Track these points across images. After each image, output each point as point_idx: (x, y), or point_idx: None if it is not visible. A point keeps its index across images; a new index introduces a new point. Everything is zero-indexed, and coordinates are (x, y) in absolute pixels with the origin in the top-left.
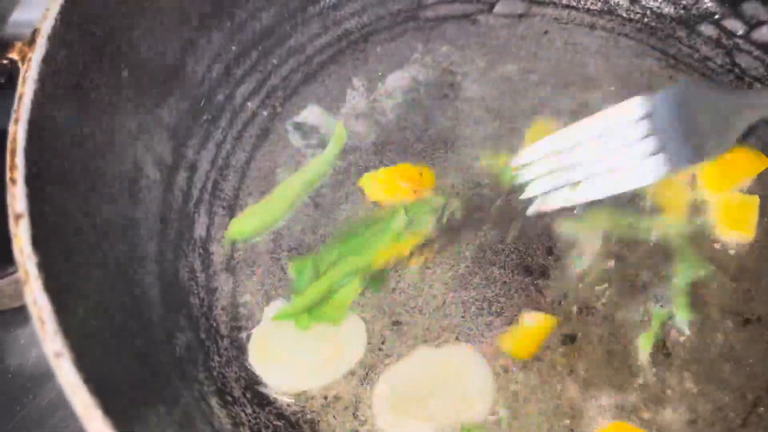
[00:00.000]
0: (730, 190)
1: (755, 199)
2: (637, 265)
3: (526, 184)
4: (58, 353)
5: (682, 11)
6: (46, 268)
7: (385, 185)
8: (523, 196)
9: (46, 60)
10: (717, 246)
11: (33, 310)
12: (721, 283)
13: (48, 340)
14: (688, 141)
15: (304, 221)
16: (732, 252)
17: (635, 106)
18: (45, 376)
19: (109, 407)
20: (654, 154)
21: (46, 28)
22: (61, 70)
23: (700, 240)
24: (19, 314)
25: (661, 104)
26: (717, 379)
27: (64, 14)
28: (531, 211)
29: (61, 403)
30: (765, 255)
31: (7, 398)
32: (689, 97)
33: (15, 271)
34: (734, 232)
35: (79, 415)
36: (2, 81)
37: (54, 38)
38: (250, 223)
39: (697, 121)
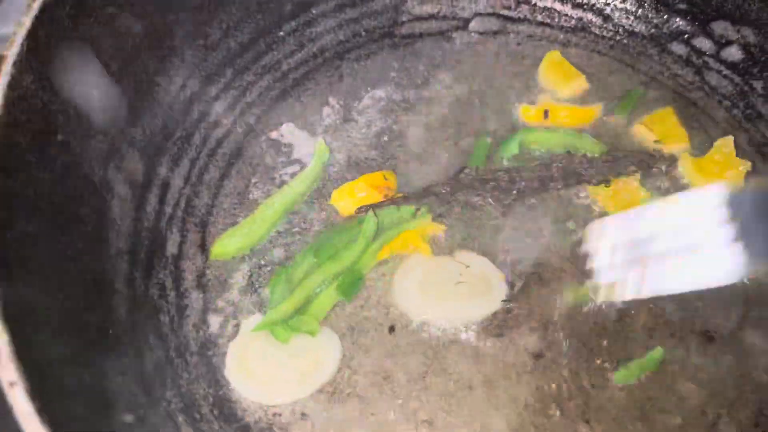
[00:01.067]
0: None
1: (669, 110)
2: None
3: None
4: (12, 382)
5: (653, 30)
6: (5, 293)
7: (355, 198)
8: (595, 280)
9: (12, 86)
10: None
11: None
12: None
13: (3, 367)
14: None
15: (276, 238)
16: None
17: (717, 195)
18: None
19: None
20: (736, 245)
21: (12, 54)
22: (28, 95)
23: None
24: None
25: (744, 195)
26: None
27: (31, 39)
28: (600, 297)
29: None
30: None
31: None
32: None
33: None
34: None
35: None
36: None
37: (20, 64)
38: (234, 243)
39: None
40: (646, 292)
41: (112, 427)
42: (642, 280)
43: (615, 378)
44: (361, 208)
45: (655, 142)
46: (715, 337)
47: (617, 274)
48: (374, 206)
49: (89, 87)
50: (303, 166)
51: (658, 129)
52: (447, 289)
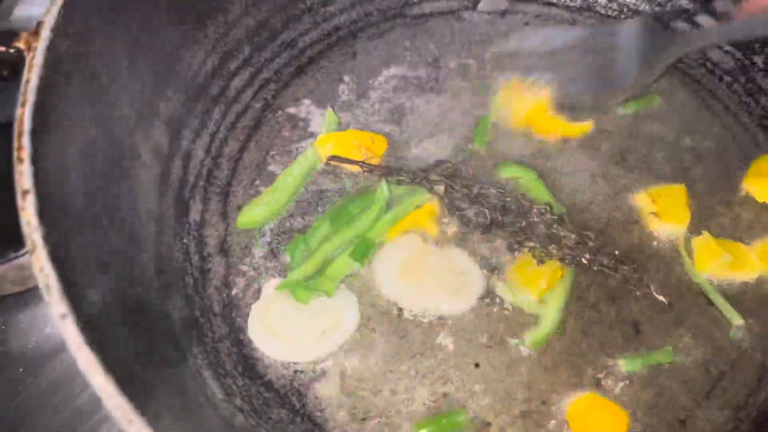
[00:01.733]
0: None
1: (682, 189)
2: None
3: None
4: (63, 315)
5: (657, 8)
6: (50, 239)
7: (338, 147)
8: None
9: (50, 49)
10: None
11: (40, 278)
12: None
13: (54, 303)
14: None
15: (295, 207)
16: None
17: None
18: (46, 358)
19: (111, 365)
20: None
21: (49, 20)
22: (64, 59)
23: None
24: (20, 299)
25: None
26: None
27: (67, 7)
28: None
29: (61, 384)
30: None
31: (10, 379)
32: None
33: (16, 257)
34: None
35: (83, 370)
36: (5, 73)
37: (57, 30)
38: (258, 212)
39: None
40: None
41: (150, 368)
42: None
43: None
44: (330, 157)
45: (652, 213)
46: None
47: None
48: (339, 159)
49: (118, 55)
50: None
51: (662, 203)
52: (424, 278)
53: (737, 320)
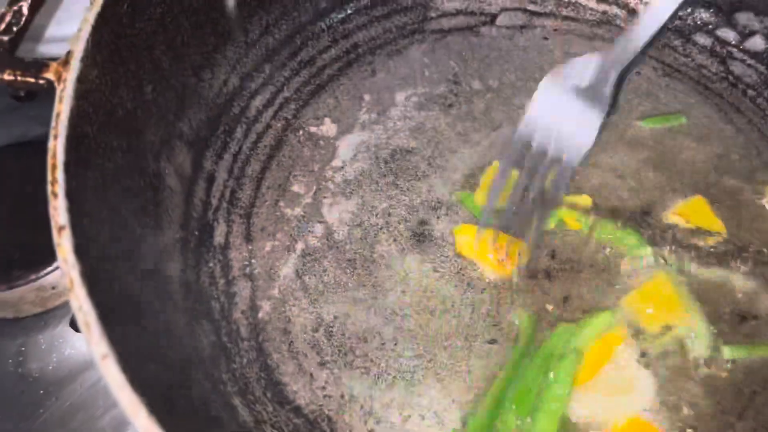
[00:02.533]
0: None
1: (701, 200)
2: None
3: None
4: (104, 355)
5: (678, 21)
6: (88, 277)
7: (477, 245)
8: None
9: (80, 79)
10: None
11: (79, 316)
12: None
13: (94, 343)
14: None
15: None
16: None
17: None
18: (66, 379)
19: (152, 404)
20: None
21: (78, 49)
22: (93, 88)
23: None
24: (39, 320)
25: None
26: None
27: (95, 35)
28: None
29: (81, 406)
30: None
31: (30, 401)
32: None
33: (37, 278)
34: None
35: (126, 411)
36: (21, 94)
37: (86, 59)
38: None
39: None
40: None
41: (184, 401)
42: None
43: None
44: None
45: (696, 228)
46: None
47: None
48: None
49: (143, 81)
50: (338, 158)
51: (695, 218)
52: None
53: None
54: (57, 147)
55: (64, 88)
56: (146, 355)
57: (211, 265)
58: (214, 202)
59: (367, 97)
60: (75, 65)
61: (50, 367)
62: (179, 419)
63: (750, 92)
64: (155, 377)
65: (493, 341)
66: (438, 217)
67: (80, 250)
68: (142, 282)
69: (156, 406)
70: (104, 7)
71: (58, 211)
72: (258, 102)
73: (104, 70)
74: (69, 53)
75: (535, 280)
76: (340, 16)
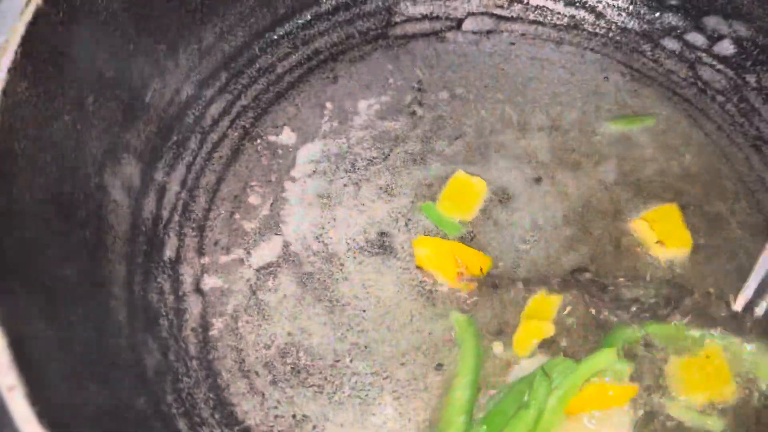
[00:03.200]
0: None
1: (674, 207)
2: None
3: None
4: (10, 387)
5: (646, 25)
6: (4, 299)
7: (435, 254)
8: None
9: (6, 92)
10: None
11: None
12: None
13: (1, 373)
14: None
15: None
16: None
17: None
18: None
19: None
20: None
21: (5, 60)
22: (23, 101)
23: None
24: None
25: None
26: None
27: (25, 46)
28: None
29: None
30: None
31: None
32: None
33: None
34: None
35: None
36: None
37: (14, 71)
38: None
39: None
40: None
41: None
42: None
43: None
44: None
45: (657, 242)
46: None
47: None
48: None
49: (83, 92)
50: (298, 168)
51: (660, 227)
52: None
53: None
54: None
55: None
56: (71, 384)
57: (159, 280)
58: (165, 214)
59: (329, 105)
60: (1, 77)
61: None
62: None
63: (719, 98)
64: (78, 408)
65: (448, 361)
66: (398, 229)
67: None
68: (76, 303)
69: None
70: (36, 15)
71: None
72: (214, 110)
73: (36, 81)
74: None
75: (496, 293)
76: (300, 21)
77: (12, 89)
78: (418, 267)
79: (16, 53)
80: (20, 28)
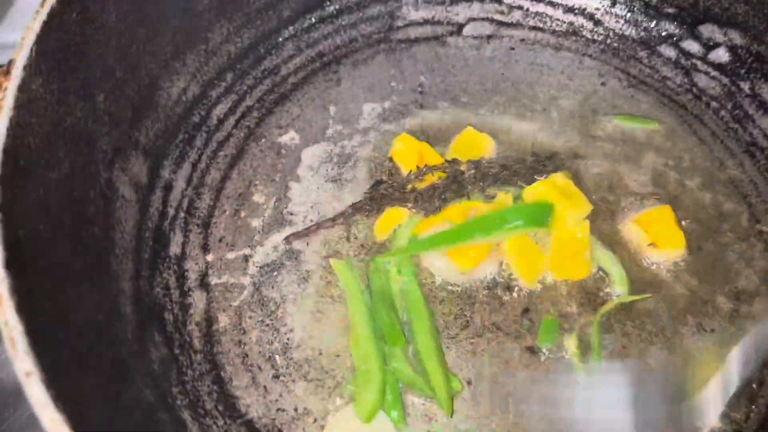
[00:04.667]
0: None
1: (667, 209)
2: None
3: None
4: (28, 372)
5: (643, 33)
6: (18, 290)
7: (406, 148)
8: None
9: (22, 89)
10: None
11: (4, 331)
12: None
13: (19, 359)
14: None
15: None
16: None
17: None
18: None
19: (78, 424)
20: None
21: (21, 58)
22: (37, 98)
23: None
24: None
25: None
26: None
27: (40, 44)
28: None
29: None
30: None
31: None
32: None
33: None
34: (665, 250)
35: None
36: None
37: (29, 68)
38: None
39: None
40: None
41: (124, 417)
42: None
43: None
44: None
45: (649, 245)
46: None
47: None
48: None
49: (95, 90)
50: (302, 168)
51: (654, 230)
52: None
53: None
54: None
55: (4, 97)
56: (82, 371)
57: (165, 275)
58: (171, 211)
59: (332, 108)
60: (17, 74)
61: (10, 377)
62: None
63: (713, 104)
64: (89, 394)
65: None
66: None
67: (12, 263)
68: (85, 295)
69: (85, 427)
70: (51, 14)
71: None
72: (219, 110)
73: (50, 79)
74: (11, 62)
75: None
76: (304, 24)
77: (27, 86)
78: (389, 158)
79: (31, 51)
80: (35, 27)
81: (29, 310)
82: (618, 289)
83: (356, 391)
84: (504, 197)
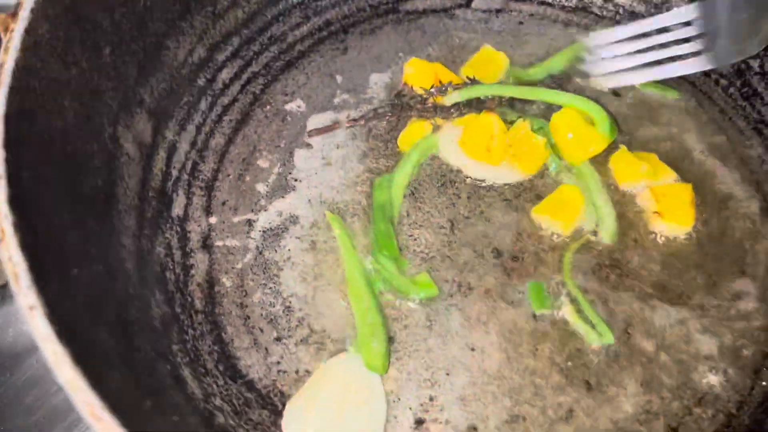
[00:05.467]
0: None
1: (688, 187)
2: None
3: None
4: (31, 306)
5: (653, 9)
6: (22, 228)
7: (420, 73)
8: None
9: (28, 32)
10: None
11: (8, 267)
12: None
13: (22, 294)
14: (729, 42)
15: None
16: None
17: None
18: (22, 355)
19: (79, 358)
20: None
21: (29, 2)
22: (43, 42)
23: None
24: None
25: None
26: None
27: None
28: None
29: (36, 382)
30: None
31: None
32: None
33: None
34: (670, 224)
35: (50, 364)
36: None
37: (37, 11)
38: None
39: (738, 24)
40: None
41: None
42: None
43: None
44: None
45: (654, 213)
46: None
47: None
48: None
49: (101, 42)
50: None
51: (666, 203)
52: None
53: None
54: None
55: (11, 38)
56: (83, 316)
57: (167, 235)
58: (174, 173)
59: (338, 77)
60: (24, 16)
61: (6, 342)
62: (115, 382)
63: (722, 82)
64: (90, 337)
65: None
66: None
67: (16, 201)
68: (87, 244)
69: (85, 362)
70: None
71: None
72: (225, 75)
73: (56, 25)
74: (18, 4)
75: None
76: None
77: (33, 29)
78: (404, 83)
79: None
80: None
81: (32, 247)
82: (602, 235)
83: (364, 345)
84: (522, 124)
